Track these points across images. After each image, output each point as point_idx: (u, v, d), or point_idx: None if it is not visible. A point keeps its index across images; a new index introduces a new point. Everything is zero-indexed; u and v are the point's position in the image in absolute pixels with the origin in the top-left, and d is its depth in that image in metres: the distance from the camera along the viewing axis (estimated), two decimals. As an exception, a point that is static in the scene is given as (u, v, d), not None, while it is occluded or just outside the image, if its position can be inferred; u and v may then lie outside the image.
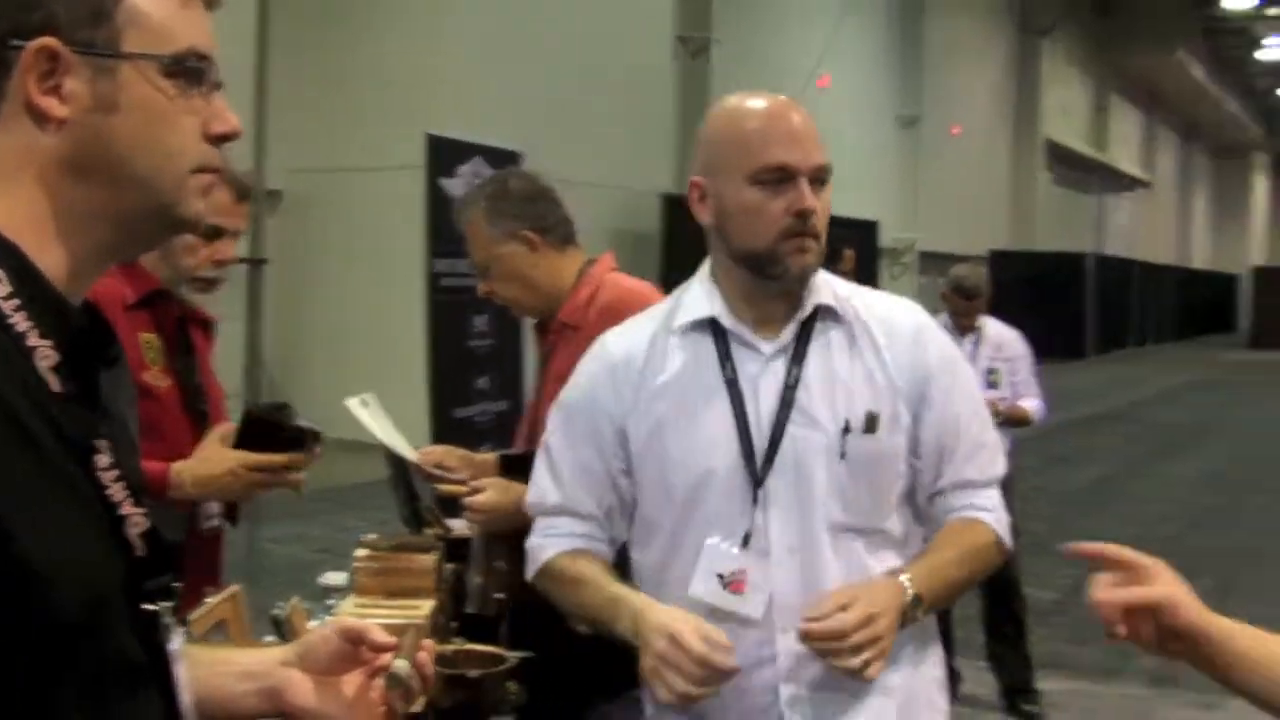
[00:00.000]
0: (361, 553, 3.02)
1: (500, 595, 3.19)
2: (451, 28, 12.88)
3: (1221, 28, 37.64)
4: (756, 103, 2.36)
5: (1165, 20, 34.83)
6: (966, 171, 26.37)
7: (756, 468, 2.24)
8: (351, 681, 1.53)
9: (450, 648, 2.76)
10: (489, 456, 3.37)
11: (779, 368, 2.28)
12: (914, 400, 2.30)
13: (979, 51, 28.59)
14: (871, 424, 2.26)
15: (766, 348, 2.30)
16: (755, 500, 2.24)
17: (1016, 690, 6.24)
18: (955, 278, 6.42)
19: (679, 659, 2.11)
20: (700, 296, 2.37)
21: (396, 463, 3.31)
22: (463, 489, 3.20)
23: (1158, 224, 45.57)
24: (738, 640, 2.19)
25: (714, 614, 2.23)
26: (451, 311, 9.12)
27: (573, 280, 3.34)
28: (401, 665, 1.52)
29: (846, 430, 2.24)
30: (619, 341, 2.41)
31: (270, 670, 1.51)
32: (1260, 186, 58.24)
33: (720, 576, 2.24)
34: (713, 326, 2.33)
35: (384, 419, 3.29)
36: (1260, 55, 38.14)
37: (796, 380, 2.27)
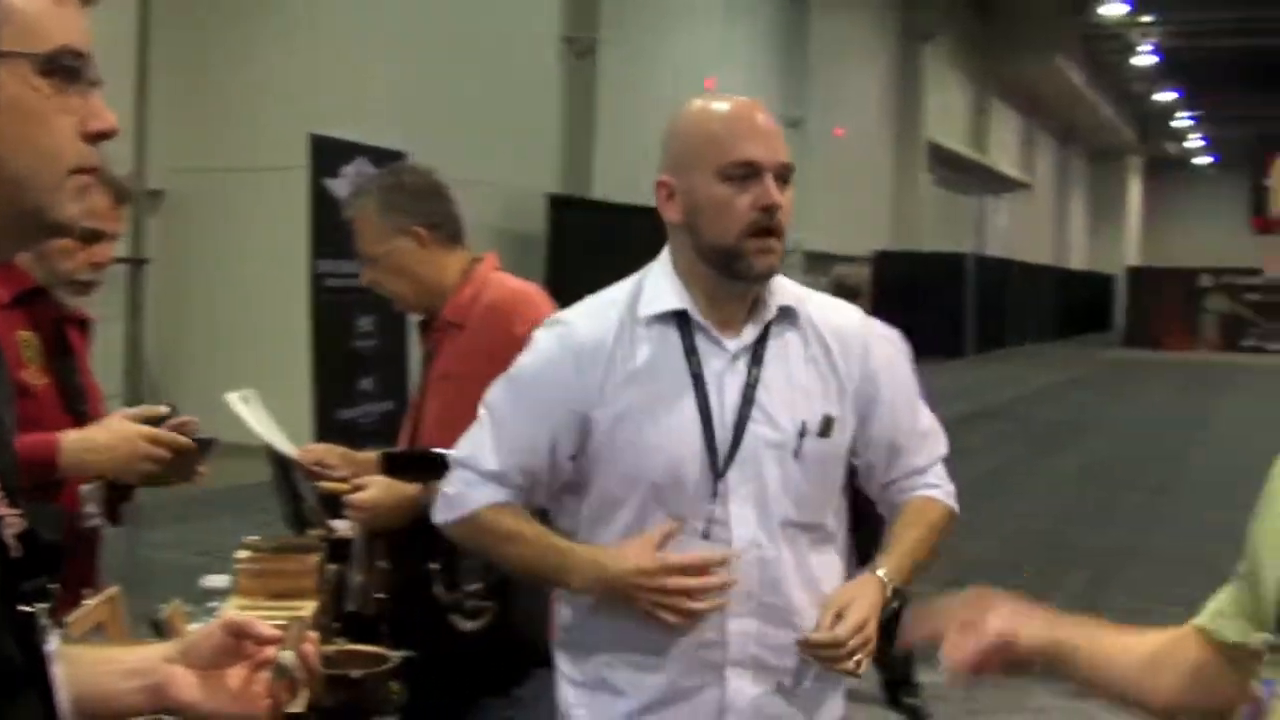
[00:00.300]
0: (243, 554, 3.01)
1: (382, 595, 3.19)
2: (336, 27, 12.78)
3: (1098, 34, 38.38)
4: (725, 103, 2.43)
5: (1044, 26, 35.45)
6: (850, 173, 26.66)
7: (718, 461, 2.31)
8: (236, 675, 1.53)
9: (332, 648, 2.76)
10: (371, 455, 3.36)
11: (741, 367, 2.35)
12: (862, 402, 2.43)
13: (863, 55, 28.91)
14: (827, 427, 2.37)
15: (731, 345, 2.36)
16: (715, 493, 2.32)
17: (898, 683, 6.33)
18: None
19: (666, 597, 2.27)
20: (667, 289, 2.39)
21: (279, 461, 3.30)
22: (345, 487, 3.20)
23: (1036, 225, 46.38)
24: (695, 622, 2.32)
25: None
26: (335, 312, 9.07)
27: (458, 278, 3.36)
28: (287, 657, 1.52)
29: (803, 432, 2.35)
30: (586, 325, 2.41)
31: (154, 667, 1.51)
32: (1135, 189, 59.48)
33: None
34: (679, 320, 2.37)
35: (265, 416, 3.27)
36: (1135, 61, 38.94)
37: (757, 380, 2.34)
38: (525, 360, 2.46)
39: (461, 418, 3.23)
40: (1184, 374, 29.92)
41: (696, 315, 2.35)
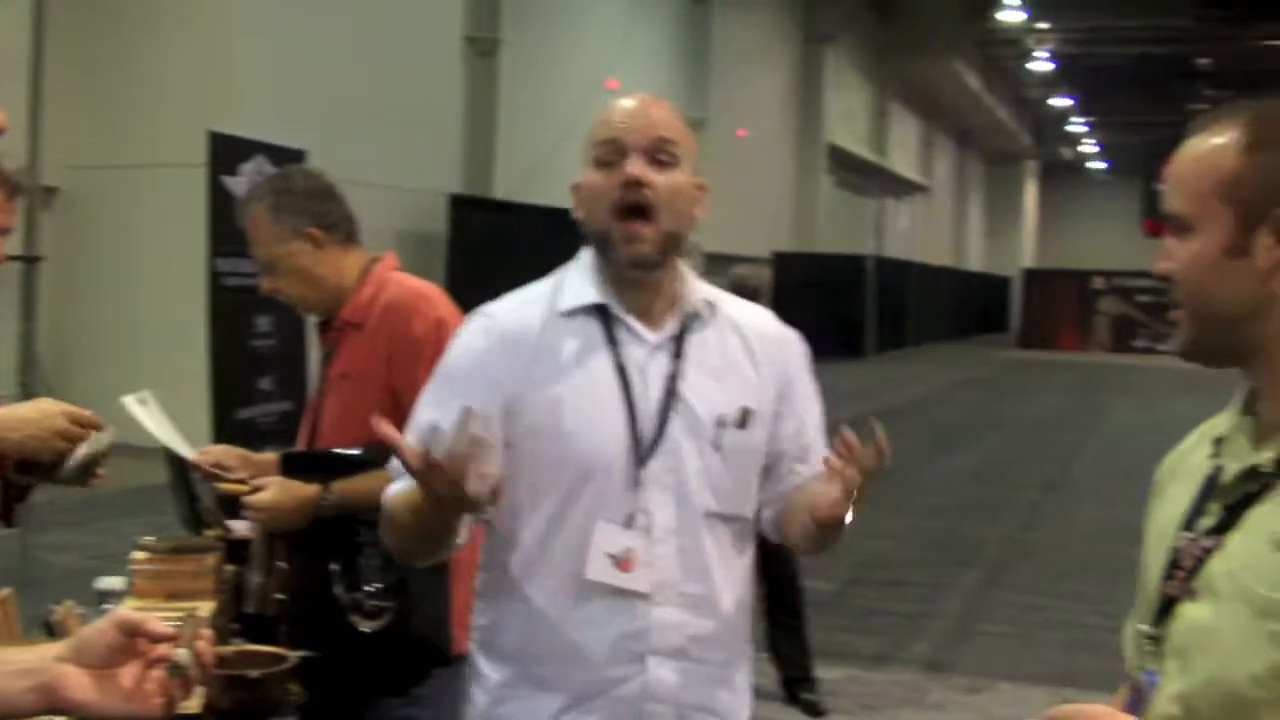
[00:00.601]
0: (139, 555, 3.00)
1: (281, 595, 3.19)
2: (236, 23, 12.66)
3: (995, 40, 38.92)
4: (621, 99, 2.44)
5: (942, 31, 35.84)
6: (751, 174, 26.80)
7: (641, 452, 2.32)
8: (129, 674, 1.52)
9: (230, 648, 2.76)
10: (269, 456, 3.36)
11: (663, 359, 2.37)
12: (778, 399, 2.45)
13: (765, 56, 29.09)
14: (744, 420, 2.39)
15: (652, 338, 2.37)
16: (638, 482, 2.32)
17: (796, 680, 6.40)
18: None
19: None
20: (585, 283, 2.39)
21: (176, 462, 3.28)
22: (244, 488, 3.19)
23: (935, 227, 46.94)
24: (615, 611, 2.32)
25: (607, 591, 2.32)
26: (233, 311, 8.98)
27: (356, 279, 3.36)
28: (182, 654, 1.51)
29: (721, 424, 2.37)
30: (510, 317, 2.40)
31: (45, 666, 1.51)
32: (1030, 192, 60.39)
33: (612, 557, 2.31)
34: (601, 313, 2.37)
35: (162, 418, 3.25)
36: (1031, 67, 39.53)
37: (678, 372, 2.36)
38: (451, 353, 2.44)
39: (360, 417, 3.23)
40: (1077, 374, 30.46)
41: (616, 309, 2.36)
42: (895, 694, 6.61)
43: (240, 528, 3.23)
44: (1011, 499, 12.75)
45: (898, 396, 23.12)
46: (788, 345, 2.52)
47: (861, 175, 37.29)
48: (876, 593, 8.79)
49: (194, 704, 2.25)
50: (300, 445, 3.44)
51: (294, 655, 2.75)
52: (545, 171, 17.44)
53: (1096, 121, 48.44)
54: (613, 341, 2.36)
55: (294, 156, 9.08)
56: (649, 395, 2.34)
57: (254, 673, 2.62)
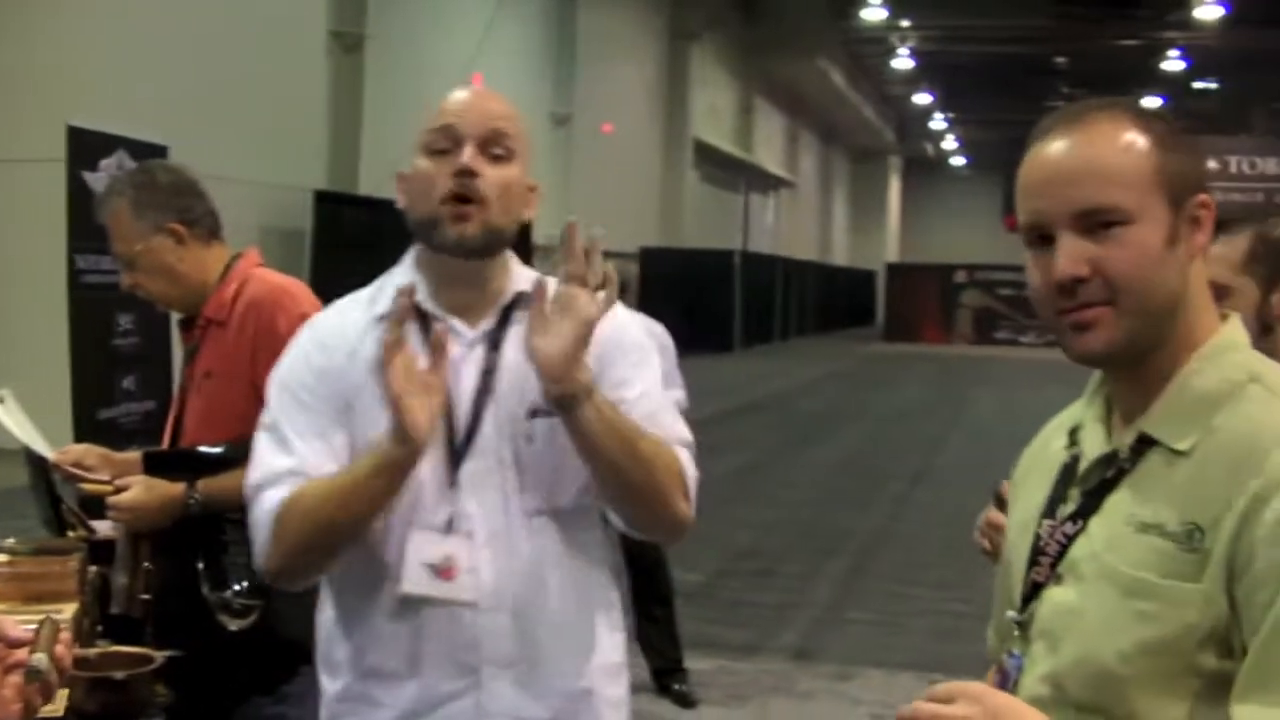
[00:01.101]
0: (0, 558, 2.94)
1: (146, 596, 3.15)
2: (96, 16, 12.40)
3: (859, 37, 39.40)
4: (457, 89, 2.39)
5: (806, 28, 36.21)
6: (617, 169, 26.90)
7: (455, 452, 2.24)
8: None
9: (95, 650, 2.72)
10: (132, 455, 3.32)
11: (479, 354, 2.28)
12: (598, 377, 2.24)
13: (631, 52, 29.17)
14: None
15: (469, 334, 2.29)
16: (454, 484, 2.23)
17: (666, 670, 6.44)
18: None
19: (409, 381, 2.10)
20: (405, 283, 2.28)
21: (37, 462, 3.23)
22: (107, 488, 3.15)
23: (801, 223, 47.44)
24: (442, 622, 2.21)
25: (429, 604, 2.21)
26: (94, 309, 8.80)
27: (218, 275, 3.33)
28: (40, 659, 1.49)
29: (535, 414, 2.24)
30: (329, 321, 2.37)
31: None
32: (894, 188, 61.27)
33: (431, 566, 2.21)
34: (417, 314, 2.27)
35: (22, 417, 3.20)
36: (894, 64, 40.09)
37: (494, 366, 2.27)
38: (282, 365, 2.36)
39: (224, 415, 3.22)
40: (941, 366, 30.98)
41: (431, 306, 2.29)
42: (765, 683, 6.68)
43: (104, 528, 3.19)
44: (877, 489, 12.93)
45: (765, 390, 23.33)
46: (612, 323, 2.29)
47: (728, 171, 37.55)
48: (745, 583, 8.87)
49: (57, 707, 2.22)
50: (164, 444, 3.41)
51: (160, 656, 2.71)
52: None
53: (957, 118, 49.28)
54: (427, 341, 2.23)
55: (156, 151, 8.92)
56: (463, 394, 2.25)
57: (119, 674, 2.58)
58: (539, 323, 2.12)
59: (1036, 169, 1.65)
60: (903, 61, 38.72)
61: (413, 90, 18.06)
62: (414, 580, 2.21)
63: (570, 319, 2.11)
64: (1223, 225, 3.17)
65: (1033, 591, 1.70)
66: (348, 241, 16.03)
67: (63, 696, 2.26)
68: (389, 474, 2.14)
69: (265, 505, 2.23)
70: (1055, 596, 1.66)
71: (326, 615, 2.36)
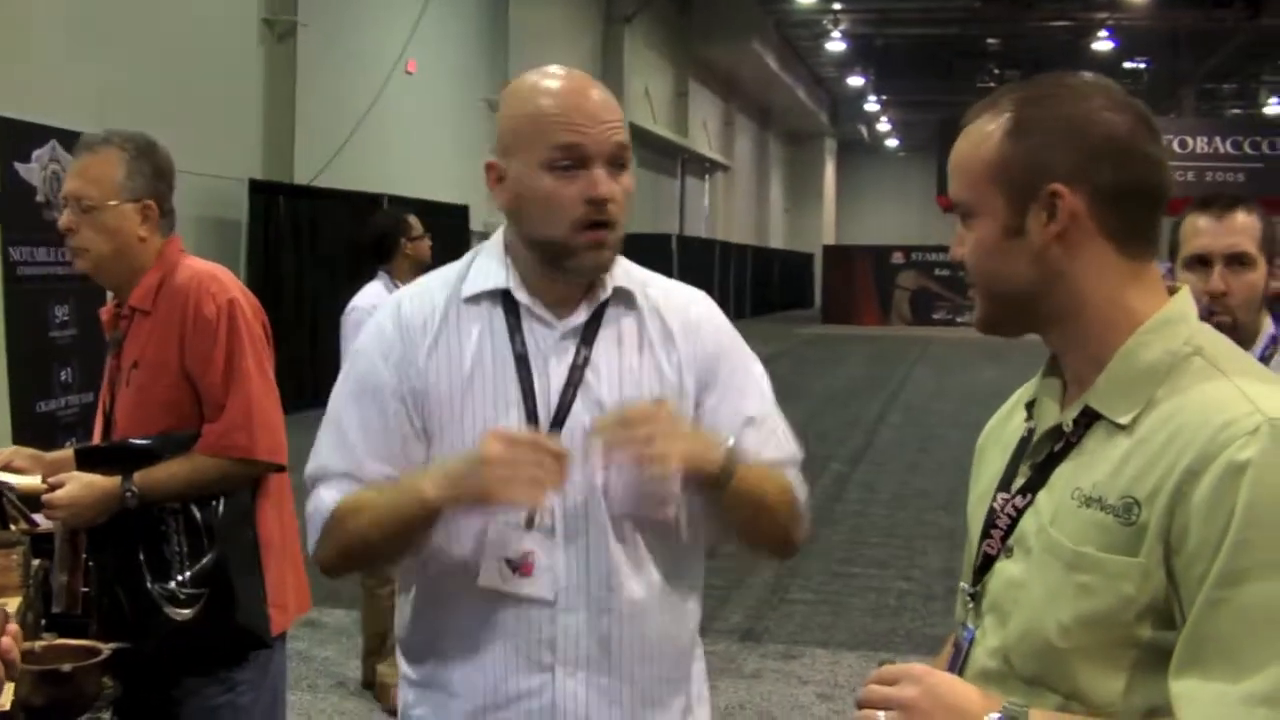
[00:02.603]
0: (-60, 553, 2.92)
1: (87, 589, 3.14)
2: (26, 6, 12.22)
3: (792, 20, 39.51)
4: (552, 80, 2.24)
5: (740, 11, 36.27)
6: (555, 156, 26.86)
7: None
8: None
9: (40, 643, 2.71)
10: (64, 453, 3.31)
11: (570, 347, 2.21)
12: (699, 389, 2.26)
13: (564, 37, 29.09)
14: None
15: (560, 325, 2.22)
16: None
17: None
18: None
19: (520, 453, 2.03)
20: (493, 268, 2.26)
21: (-28, 458, 3.21)
22: (41, 486, 3.13)
23: (737, 206, 47.52)
24: (517, 619, 2.18)
25: (504, 601, 2.18)
26: (30, 301, 8.70)
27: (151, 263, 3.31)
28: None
29: None
30: (412, 304, 2.27)
31: None
32: (829, 170, 61.48)
33: (509, 561, 2.17)
34: (506, 299, 2.23)
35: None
36: (827, 47, 40.19)
37: (585, 361, 2.21)
38: (357, 347, 2.32)
39: (155, 405, 3.21)
40: (879, 347, 31.15)
41: (522, 295, 2.22)
42: (712, 664, 6.64)
43: (46, 521, 3.17)
44: (818, 470, 12.98)
45: (705, 374, 23.30)
46: (715, 330, 2.33)
47: (663, 155, 37.56)
48: (689, 566, 8.87)
49: (4, 702, 2.21)
50: (95, 437, 3.39)
51: (107, 648, 2.71)
52: (346, 155, 17.23)
53: (890, 100, 49.48)
54: (516, 329, 2.22)
55: (87, 143, 8.81)
56: (552, 386, 2.19)
57: (66, 667, 2.57)
58: (652, 442, 2.04)
59: None
60: (835, 44, 38.82)
61: (346, 77, 17.94)
62: (490, 575, 2.18)
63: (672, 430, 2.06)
64: (1214, 200, 3.27)
65: (985, 564, 1.73)
66: (283, 231, 15.93)
67: (9, 691, 2.25)
68: (430, 519, 2.12)
69: (320, 504, 2.24)
70: (1004, 570, 1.69)
71: (408, 599, 2.33)
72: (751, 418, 2.28)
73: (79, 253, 3.29)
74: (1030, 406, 1.78)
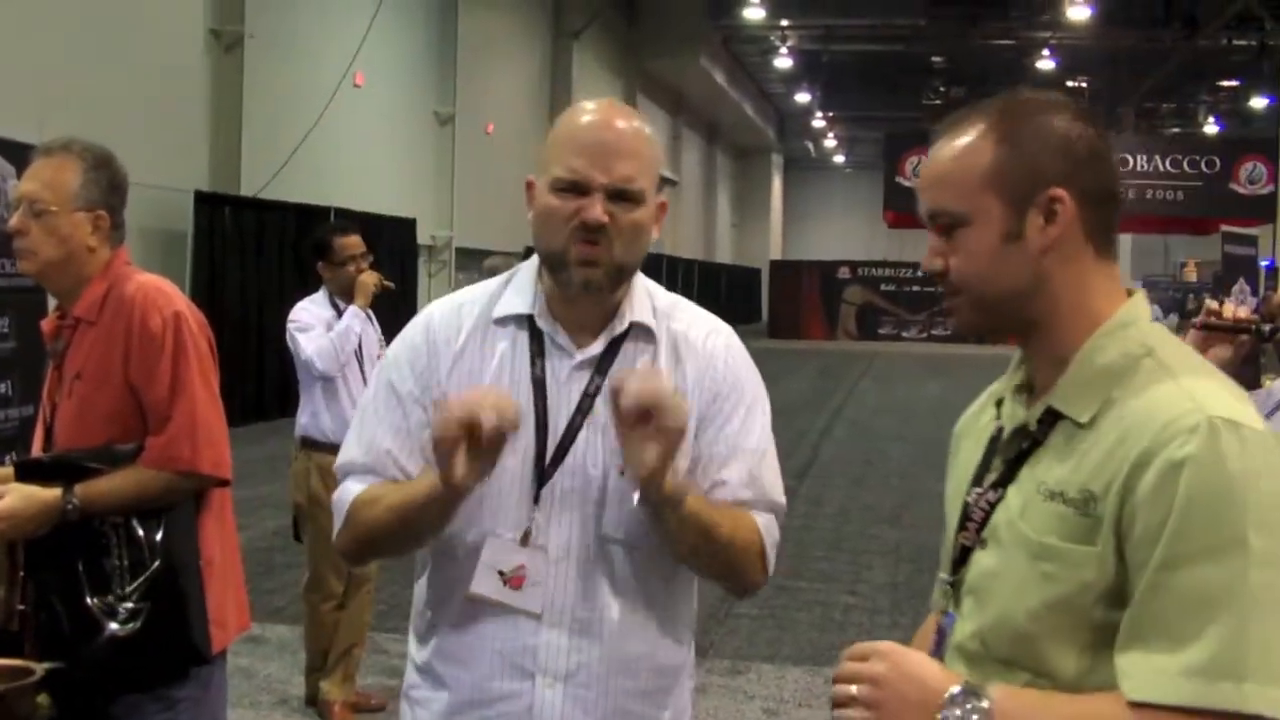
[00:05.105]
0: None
1: (24, 607, 3.09)
2: (-38, 13, 12.11)
3: (739, 36, 39.67)
4: (588, 110, 2.33)
5: (687, 27, 36.39)
6: (501, 168, 26.74)
7: (544, 468, 2.26)
8: None
9: (-27, 663, 2.66)
10: (4, 470, 3.26)
11: (584, 376, 2.29)
12: (699, 418, 2.31)
13: (513, 51, 29.08)
14: None
15: (579, 354, 2.30)
16: (537, 500, 2.26)
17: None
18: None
19: (470, 401, 2.07)
20: (524, 293, 2.35)
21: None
22: (-22, 500, 3.09)
23: (685, 221, 47.62)
24: (504, 626, 2.27)
25: (494, 609, 2.27)
26: (-33, 314, 8.60)
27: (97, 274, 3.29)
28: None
29: None
30: (444, 317, 2.36)
31: None
32: (777, 186, 61.73)
33: (501, 573, 2.26)
34: (530, 324, 2.32)
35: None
36: (775, 63, 40.38)
37: (597, 390, 2.27)
38: (391, 349, 2.42)
39: (97, 417, 3.18)
40: (825, 362, 31.32)
41: (545, 322, 2.31)
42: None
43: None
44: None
45: (652, 388, 23.34)
46: (729, 362, 2.38)
47: (612, 170, 37.62)
48: (636, 581, 8.87)
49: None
50: (35, 448, 3.35)
51: (41, 668, 2.67)
52: (293, 167, 17.15)
53: (836, 116, 49.76)
54: (538, 354, 2.30)
55: (30, 151, 8.72)
56: (562, 412, 2.28)
57: None
58: (631, 442, 2.07)
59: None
60: (783, 60, 39.02)
61: (294, 89, 17.87)
62: (483, 583, 2.27)
63: (660, 435, 2.05)
64: None
65: (962, 555, 1.85)
66: (229, 243, 15.83)
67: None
68: (439, 506, 2.18)
69: (345, 494, 2.34)
70: (980, 560, 1.82)
71: (421, 585, 2.42)
72: (743, 454, 2.34)
73: (26, 254, 3.27)
74: (999, 404, 1.90)
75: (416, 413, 2.31)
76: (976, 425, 1.96)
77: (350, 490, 2.33)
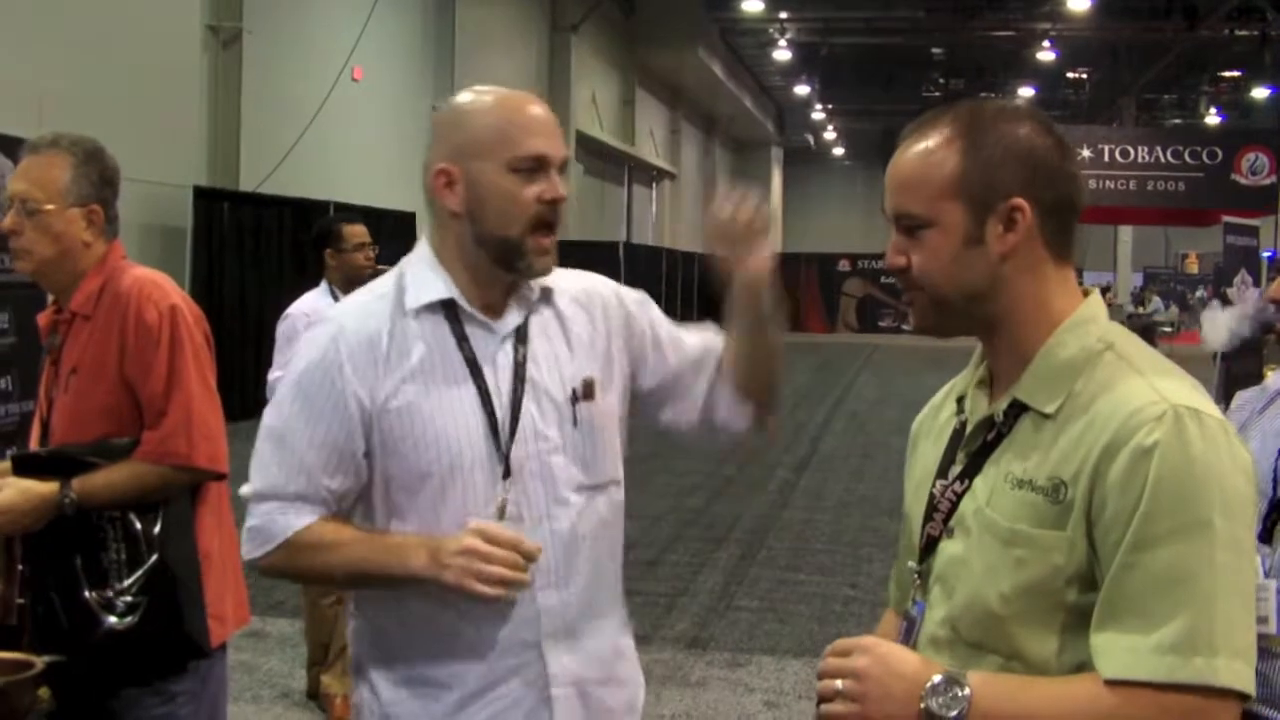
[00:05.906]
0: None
1: (23, 600, 3.10)
2: (-42, 9, 12.09)
3: (737, 29, 39.61)
4: (506, 95, 2.47)
5: (686, 20, 36.35)
6: (501, 163, 26.86)
7: (502, 442, 2.33)
8: None
9: (-28, 657, 2.67)
10: (1, 465, 3.26)
11: (510, 348, 2.39)
12: (625, 346, 2.55)
13: (510, 44, 29.07)
14: (589, 390, 2.43)
15: (498, 328, 2.39)
16: (504, 473, 2.33)
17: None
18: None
19: (491, 551, 2.22)
20: (431, 279, 2.39)
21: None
22: (-27, 496, 3.09)
23: (684, 213, 47.59)
24: (502, 612, 2.32)
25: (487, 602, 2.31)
26: (-34, 310, 8.60)
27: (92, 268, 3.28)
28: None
29: (574, 399, 2.41)
30: (356, 321, 2.37)
31: None
32: (776, 178, 61.65)
33: None
34: (447, 309, 2.38)
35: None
36: (774, 55, 40.33)
37: (525, 358, 2.39)
38: (300, 365, 2.38)
39: (93, 412, 3.18)
40: (824, 354, 31.30)
41: (464, 303, 2.37)
42: (657, 672, 6.69)
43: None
44: (764, 477, 13.02)
45: (652, 381, 23.32)
46: (619, 295, 2.61)
47: (610, 163, 37.58)
48: (634, 573, 8.85)
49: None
50: (32, 443, 3.35)
51: (41, 661, 2.67)
52: (292, 162, 17.14)
53: (835, 109, 49.69)
54: (462, 337, 2.37)
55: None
56: (501, 386, 2.36)
57: (-1, 680, 2.54)
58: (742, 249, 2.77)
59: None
60: (781, 53, 38.96)
61: (292, 84, 17.86)
62: None
63: (762, 233, 2.74)
64: None
65: (929, 545, 1.91)
66: (228, 238, 15.82)
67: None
68: (416, 582, 2.28)
69: (274, 525, 2.34)
70: (947, 549, 1.88)
71: (368, 608, 2.45)
72: (673, 327, 2.73)
73: (21, 254, 3.27)
74: (961, 401, 1.96)
75: (345, 423, 2.32)
76: (935, 423, 2.04)
77: (281, 523, 2.34)
